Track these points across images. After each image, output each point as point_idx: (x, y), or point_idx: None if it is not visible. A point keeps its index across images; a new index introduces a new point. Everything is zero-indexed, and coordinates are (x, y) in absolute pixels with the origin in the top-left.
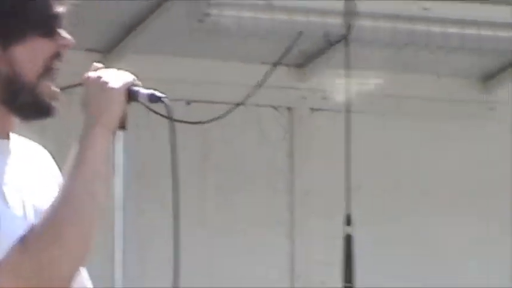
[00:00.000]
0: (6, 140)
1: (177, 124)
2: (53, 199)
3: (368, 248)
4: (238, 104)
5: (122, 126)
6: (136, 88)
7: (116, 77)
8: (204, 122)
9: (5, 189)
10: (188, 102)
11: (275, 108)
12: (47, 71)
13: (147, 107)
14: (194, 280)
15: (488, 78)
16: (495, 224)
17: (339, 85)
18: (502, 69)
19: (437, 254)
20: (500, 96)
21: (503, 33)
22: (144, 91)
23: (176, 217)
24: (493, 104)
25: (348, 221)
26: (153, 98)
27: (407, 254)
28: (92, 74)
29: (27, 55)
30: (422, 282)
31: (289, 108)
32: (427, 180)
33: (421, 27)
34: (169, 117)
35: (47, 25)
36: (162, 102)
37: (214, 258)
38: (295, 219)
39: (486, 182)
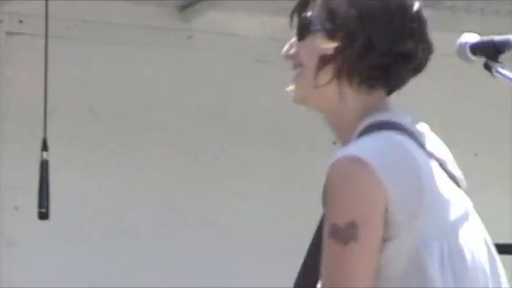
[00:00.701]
0: None
1: None
2: None
3: (65, 173)
4: None
5: None
6: None
7: None
8: None
9: None
10: None
11: None
12: None
13: None
14: None
15: (186, 6)
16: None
17: (37, 9)
18: None
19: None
20: (197, 25)
21: None
22: None
23: None
24: (191, 32)
25: (44, 146)
26: None
27: (106, 178)
28: None
29: None
30: (128, 203)
31: None
32: (122, 106)
33: None
34: None
35: None
36: None
37: None
38: None
39: (187, 108)
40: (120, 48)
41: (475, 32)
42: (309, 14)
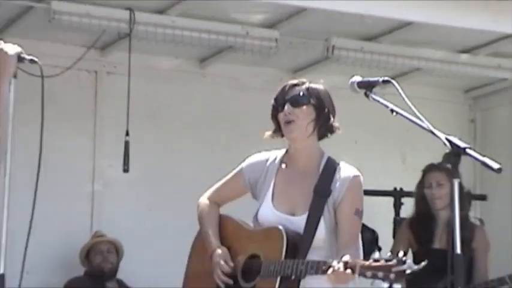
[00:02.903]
0: None
1: None
2: None
3: (138, 148)
4: None
5: (14, 76)
6: (22, 55)
7: (11, 48)
8: None
9: None
10: None
11: None
12: None
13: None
14: None
15: (204, 59)
16: None
17: (124, 60)
18: None
19: None
20: (210, 70)
21: None
22: (26, 56)
23: None
24: (206, 74)
25: (127, 133)
26: (32, 61)
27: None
28: None
29: None
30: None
31: None
32: (164, 115)
33: None
34: (42, 76)
35: None
36: (35, 62)
37: None
38: None
39: None
40: (164, 87)
41: (358, 75)
42: (305, 93)
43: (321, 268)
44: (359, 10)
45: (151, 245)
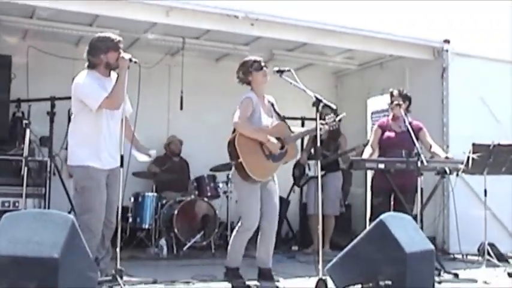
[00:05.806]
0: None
1: None
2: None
3: None
4: None
5: (128, 68)
6: (131, 58)
7: (126, 55)
8: None
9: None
10: None
11: None
12: None
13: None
14: None
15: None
16: None
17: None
18: None
19: None
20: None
21: None
22: (133, 59)
23: None
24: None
25: None
26: (135, 62)
27: None
28: (122, 55)
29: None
30: None
31: None
32: None
33: None
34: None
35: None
36: (136, 62)
37: None
38: None
39: None
40: (197, 73)
41: (278, 67)
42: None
43: (315, 129)
44: (287, 37)
45: (193, 141)
